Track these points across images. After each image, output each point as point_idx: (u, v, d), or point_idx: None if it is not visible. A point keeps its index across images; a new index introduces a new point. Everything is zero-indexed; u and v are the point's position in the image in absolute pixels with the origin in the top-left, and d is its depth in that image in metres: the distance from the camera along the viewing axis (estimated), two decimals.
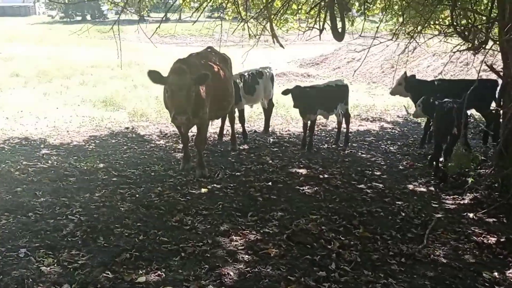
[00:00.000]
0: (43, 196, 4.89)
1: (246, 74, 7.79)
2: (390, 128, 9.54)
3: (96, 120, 9.02)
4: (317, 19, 7.52)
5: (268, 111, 8.59)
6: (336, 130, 8.24)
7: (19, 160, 6.18)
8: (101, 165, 6.13)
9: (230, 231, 4.30)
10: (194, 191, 5.37)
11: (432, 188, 5.88)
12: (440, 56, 16.47)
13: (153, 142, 7.76)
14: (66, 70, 16.28)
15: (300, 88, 7.05)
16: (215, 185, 5.63)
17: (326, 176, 6.15)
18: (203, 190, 5.42)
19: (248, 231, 4.33)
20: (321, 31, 6.99)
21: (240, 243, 4.06)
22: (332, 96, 7.52)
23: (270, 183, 5.72)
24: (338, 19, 6.57)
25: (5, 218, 4.26)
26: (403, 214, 4.95)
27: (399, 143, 8.24)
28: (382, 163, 6.97)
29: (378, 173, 6.41)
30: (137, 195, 5.11)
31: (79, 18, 61.03)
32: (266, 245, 4.02)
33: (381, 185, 5.89)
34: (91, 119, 9.05)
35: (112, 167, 6.10)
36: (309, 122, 7.39)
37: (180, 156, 6.85)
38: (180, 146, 7.43)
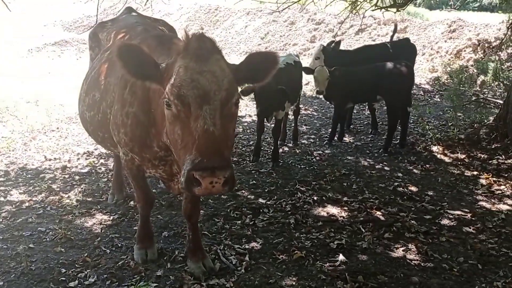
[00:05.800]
0: None
1: None
2: None
3: None
4: None
5: None
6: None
7: None
8: None
9: None
10: None
11: None
12: (256, 15, 15.33)
13: None
14: None
15: None
16: None
17: (380, 215, 3.93)
18: None
19: None
20: None
21: None
22: (294, 80, 5.17)
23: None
24: None
25: None
26: None
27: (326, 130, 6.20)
28: (386, 168, 5.08)
29: (414, 188, 4.53)
30: None
31: None
32: None
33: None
34: None
35: None
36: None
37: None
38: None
